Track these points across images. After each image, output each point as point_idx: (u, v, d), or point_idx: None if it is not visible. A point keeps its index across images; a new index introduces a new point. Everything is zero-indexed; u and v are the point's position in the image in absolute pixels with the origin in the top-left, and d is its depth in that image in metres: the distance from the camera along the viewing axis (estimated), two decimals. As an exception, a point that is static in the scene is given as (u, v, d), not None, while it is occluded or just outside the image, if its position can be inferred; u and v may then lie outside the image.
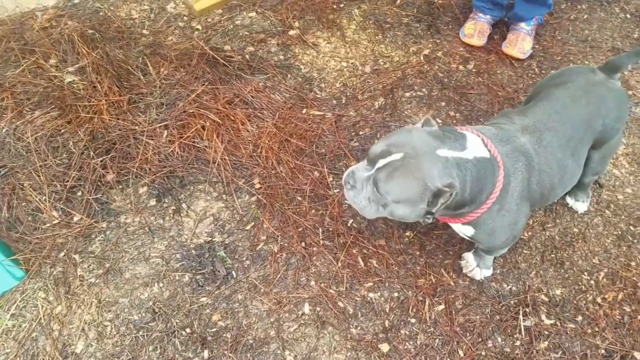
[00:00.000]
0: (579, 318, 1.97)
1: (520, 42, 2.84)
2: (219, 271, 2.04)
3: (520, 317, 1.95)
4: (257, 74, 2.65)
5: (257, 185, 2.27)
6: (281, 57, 2.76)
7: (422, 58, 2.84)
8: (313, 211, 2.21)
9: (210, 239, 2.12)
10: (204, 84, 2.51)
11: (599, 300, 2.03)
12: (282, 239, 2.12)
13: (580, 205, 2.27)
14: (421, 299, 1.99)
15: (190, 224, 2.16)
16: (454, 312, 1.97)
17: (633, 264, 2.13)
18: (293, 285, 2.02)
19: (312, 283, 2.03)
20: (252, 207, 2.21)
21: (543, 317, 1.96)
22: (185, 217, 2.18)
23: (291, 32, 2.88)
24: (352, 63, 2.79)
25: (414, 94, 2.67)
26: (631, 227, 2.25)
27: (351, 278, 2.04)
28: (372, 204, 1.53)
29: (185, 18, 2.95)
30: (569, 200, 2.28)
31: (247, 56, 2.72)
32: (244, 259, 2.08)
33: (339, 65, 2.77)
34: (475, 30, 2.88)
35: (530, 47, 2.87)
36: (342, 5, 3.06)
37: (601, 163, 2.05)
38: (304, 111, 2.54)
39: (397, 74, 2.74)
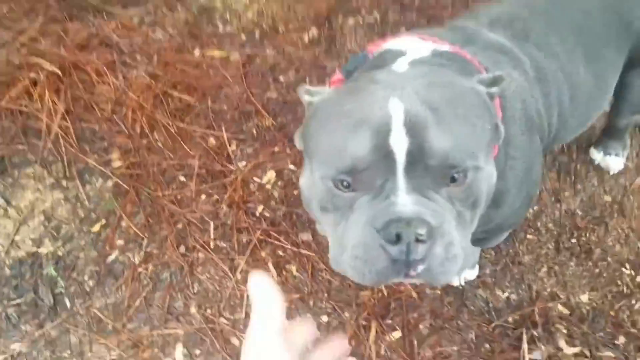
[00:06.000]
0: (621, 339, 1.22)
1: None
2: (42, 299, 1.28)
3: (525, 345, 1.20)
4: (131, 7, 1.87)
5: (117, 163, 1.50)
6: (170, -18, 1.97)
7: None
8: (203, 197, 1.45)
9: (36, 249, 1.36)
10: (43, 23, 1.72)
11: (649, 305, 1.29)
12: (149, 244, 1.36)
13: (614, 160, 1.49)
14: (364, 323, 1.24)
15: (9, 227, 1.40)
16: (416, 342, 1.22)
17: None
18: (160, 315, 1.26)
19: (193, 310, 1.27)
20: (107, 197, 1.44)
21: (562, 342, 1.21)
22: (3, 217, 1.41)
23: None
24: (271, -15, 2.00)
25: (362, 21, 1.88)
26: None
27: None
28: (459, 220, 0.68)
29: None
30: (596, 155, 1.51)
31: (118, -17, 1.93)
32: (86, 277, 1.32)
33: (254, -11, 1.98)
34: None
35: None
36: None
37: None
38: (197, 52, 1.76)
39: (335, -6, 1.95)
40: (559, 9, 1.04)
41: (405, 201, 0.62)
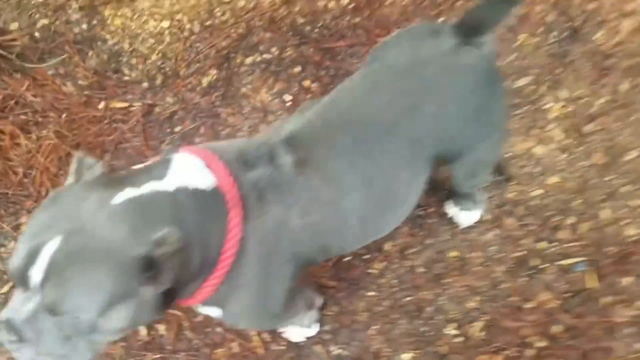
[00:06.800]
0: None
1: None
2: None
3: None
4: (47, 59, 1.99)
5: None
6: (84, 26, 2.05)
7: (279, -5, 2.02)
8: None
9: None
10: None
11: (469, 369, 1.41)
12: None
13: (466, 215, 1.54)
14: (213, 381, 1.47)
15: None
16: (258, 397, 1.44)
17: (529, 306, 1.45)
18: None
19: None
20: (17, 259, 1.70)
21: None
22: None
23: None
24: (177, 20, 2.02)
25: (259, 59, 1.91)
26: (540, 244, 1.53)
27: (126, 356, 1.53)
28: (73, 346, 0.82)
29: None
30: (450, 209, 1.56)
31: (36, 34, 2.04)
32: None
33: (159, 27, 2.02)
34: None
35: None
36: None
37: (473, 176, 1.33)
38: (101, 105, 1.89)
39: (238, 28, 1.96)
40: (340, 132, 1.06)
41: (16, 307, 0.79)
